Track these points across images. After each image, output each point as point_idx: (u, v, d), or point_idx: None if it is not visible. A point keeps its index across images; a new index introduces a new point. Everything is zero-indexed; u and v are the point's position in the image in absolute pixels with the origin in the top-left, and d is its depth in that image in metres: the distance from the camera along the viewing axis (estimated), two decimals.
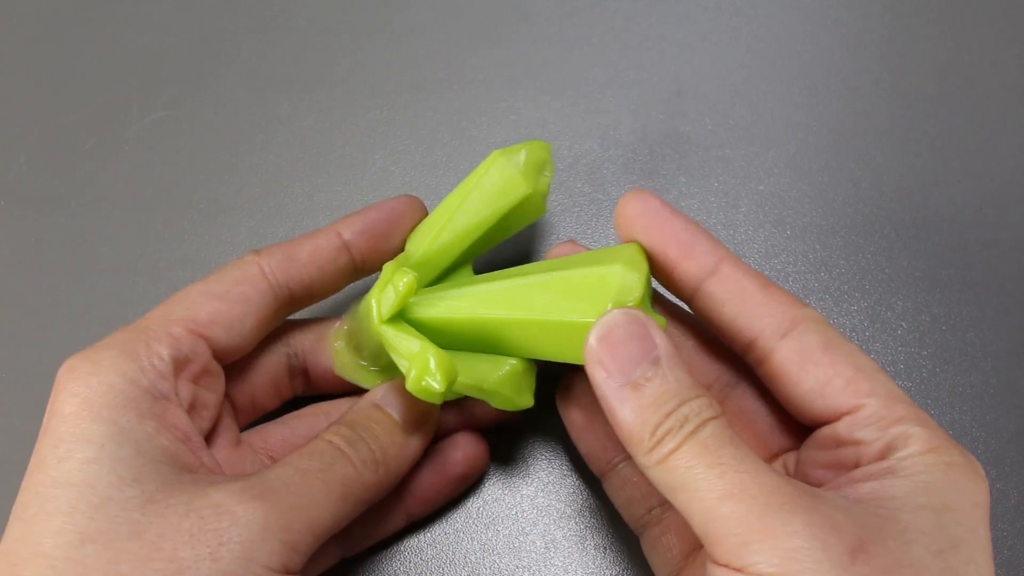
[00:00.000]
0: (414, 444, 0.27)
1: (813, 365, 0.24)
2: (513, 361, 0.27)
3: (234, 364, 0.28)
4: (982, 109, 0.37)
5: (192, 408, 0.26)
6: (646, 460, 0.22)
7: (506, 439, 0.32)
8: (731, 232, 0.36)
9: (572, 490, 0.32)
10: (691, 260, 0.26)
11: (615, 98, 0.38)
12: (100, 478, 0.22)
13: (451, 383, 0.25)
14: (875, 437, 0.23)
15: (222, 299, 0.26)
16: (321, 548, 0.28)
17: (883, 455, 0.23)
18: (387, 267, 0.27)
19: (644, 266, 0.26)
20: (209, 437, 0.27)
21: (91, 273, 0.35)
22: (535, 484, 0.32)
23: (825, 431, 0.24)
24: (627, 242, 0.27)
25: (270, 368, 0.29)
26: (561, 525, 0.31)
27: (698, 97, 0.38)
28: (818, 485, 0.23)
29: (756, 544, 0.20)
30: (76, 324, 0.34)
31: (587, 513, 0.32)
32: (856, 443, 0.23)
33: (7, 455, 0.33)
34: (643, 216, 0.26)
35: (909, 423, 0.22)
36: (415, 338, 0.26)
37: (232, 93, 0.38)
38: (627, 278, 0.25)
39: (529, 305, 0.26)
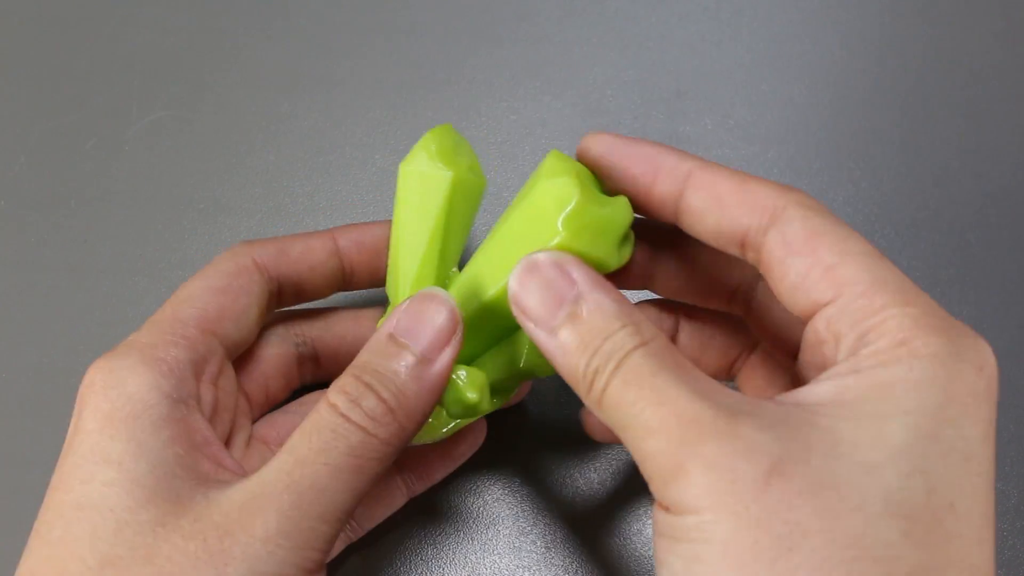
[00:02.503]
0: (437, 374, 0.24)
1: (794, 256, 0.21)
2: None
3: (246, 358, 0.28)
4: (982, 109, 0.37)
5: (215, 412, 0.26)
6: (589, 404, 0.21)
7: (507, 439, 0.32)
8: None
9: (573, 490, 0.32)
10: (661, 180, 0.24)
11: (615, 98, 0.38)
12: (119, 501, 0.22)
13: (483, 389, 0.25)
14: (848, 331, 0.20)
15: (226, 293, 0.26)
16: None
17: (854, 351, 0.20)
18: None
19: (568, 165, 0.24)
20: (227, 437, 0.27)
21: (91, 273, 0.35)
22: (535, 484, 0.32)
23: (809, 328, 0.22)
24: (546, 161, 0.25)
25: (280, 358, 0.29)
26: (561, 525, 0.31)
27: (698, 97, 0.38)
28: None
29: (673, 482, 0.18)
30: (76, 324, 0.34)
31: (588, 513, 0.32)
32: (833, 339, 0.21)
33: (7, 455, 0.33)
34: (604, 155, 0.25)
35: (889, 310, 0.20)
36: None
37: (232, 93, 0.38)
38: (557, 188, 0.23)
39: (496, 274, 0.25)
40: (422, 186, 0.27)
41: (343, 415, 0.22)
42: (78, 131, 0.38)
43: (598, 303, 0.21)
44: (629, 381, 0.20)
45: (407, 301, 0.24)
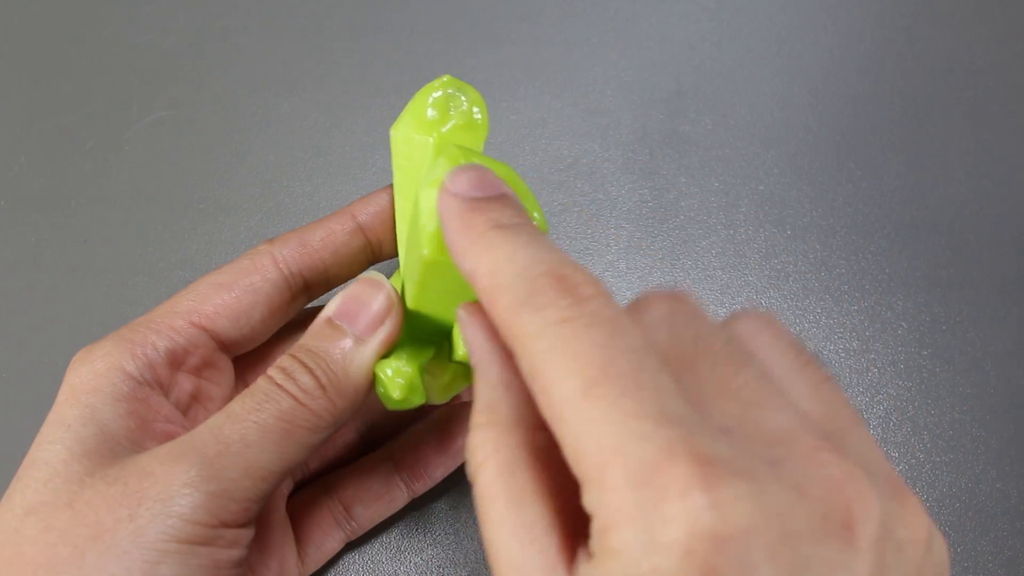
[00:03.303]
0: (367, 355, 0.25)
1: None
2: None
3: (251, 353, 0.28)
4: (982, 109, 0.37)
5: (195, 400, 0.26)
6: None
7: None
8: (731, 232, 0.36)
9: None
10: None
11: (615, 98, 0.38)
12: (56, 455, 0.23)
13: (410, 385, 0.25)
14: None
15: (230, 290, 0.26)
16: (323, 534, 0.29)
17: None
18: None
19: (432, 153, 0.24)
20: None
21: (91, 273, 0.35)
22: None
23: None
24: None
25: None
26: None
27: (698, 97, 0.38)
28: None
29: None
30: (76, 324, 0.34)
31: None
32: None
33: (7, 455, 0.33)
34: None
35: (587, 491, 0.16)
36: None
37: (232, 93, 0.38)
38: (429, 200, 0.21)
39: (410, 276, 0.25)
40: (409, 149, 0.27)
41: (277, 384, 0.24)
42: (78, 131, 0.38)
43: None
44: (483, 496, 0.18)
45: (349, 285, 0.25)
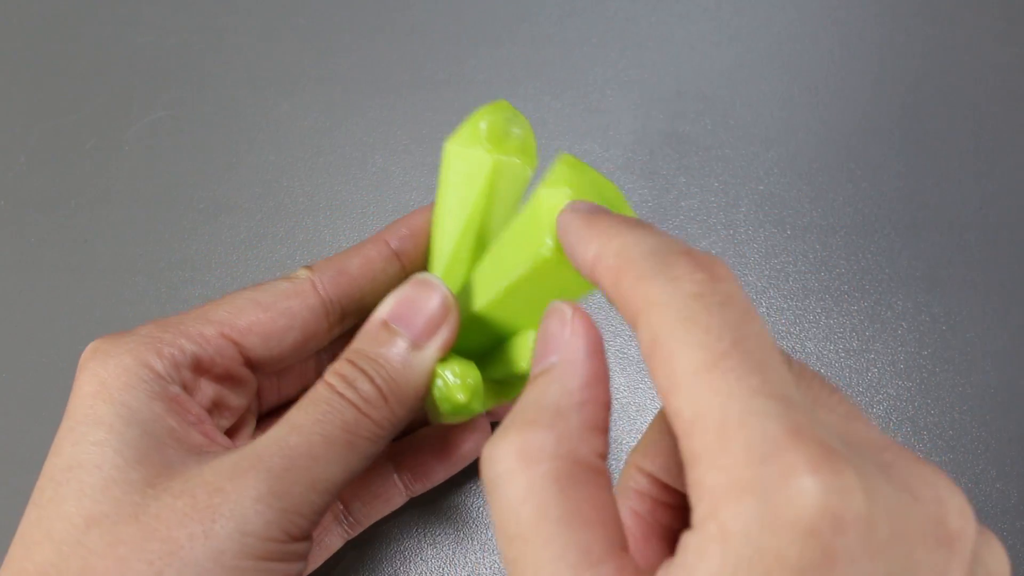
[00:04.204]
0: (426, 360, 0.24)
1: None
2: (532, 333, 0.26)
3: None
4: (982, 109, 0.37)
5: (214, 407, 0.26)
6: None
7: None
8: (731, 232, 0.36)
9: None
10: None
11: (615, 98, 0.38)
12: (107, 459, 0.22)
13: (474, 389, 0.25)
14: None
15: (267, 310, 0.26)
16: (322, 530, 0.28)
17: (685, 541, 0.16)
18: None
19: (572, 173, 0.22)
20: (229, 435, 0.27)
21: (91, 273, 0.35)
22: None
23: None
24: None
25: (303, 371, 0.29)
26: None
27: (698, 97, 0.38)
28: None
29: None
30: (76, 324, 0.34)
31: None
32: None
33: (7, 455, 0.33)
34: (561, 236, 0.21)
35: (700, 468, 0.15)
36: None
37: (232, 93, 0.38)
38: (552, 197, 0.21)
39: (492, 279, 0.24)
40: (465, 167, 0.26)
41: (339, 393, 0.23)
42: (78, 131, 0.38)
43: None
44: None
45: (401, 287, 0.25)
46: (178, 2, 0.40)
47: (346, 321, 0.28)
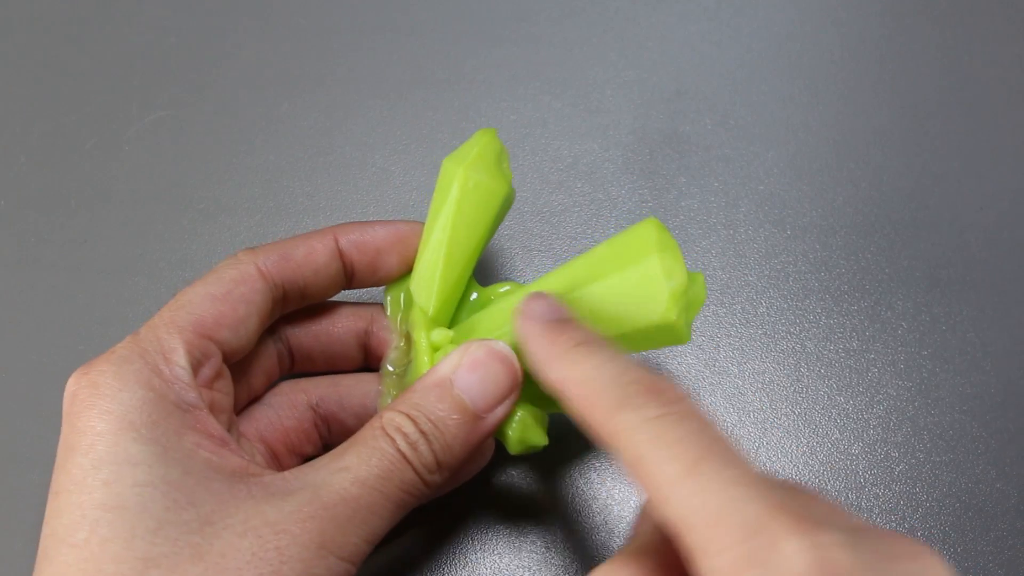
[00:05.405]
0: (485, 430, 0.25)
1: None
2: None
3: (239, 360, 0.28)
4: (982, 109, 0.37)
5: (211, 412, 0.26)
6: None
7: None
8: (731, 232, 0.36)
9: (573, 490, 0.32)
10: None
11: (615, 98, 0.38)
12: (155, 501, 0.22)
13: (545, 428, 0.26)
14: None
15: (225, 301, 0.26)
16: None
17: None
18: (422, 343, 0.27)
19: (668, 239, 0.25)
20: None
21: (91, 273, 0.35)
22: (536, 484, 0.32)
23: None
24: (640, 225, 0.26)
25: (265, 360, 0.29)
26: (561, 525, 0.31)
27: (698, 97, 0.38)
28: None
29: None
30: (76, 324, 0.34)
31: (588, 513, 0.32)
32: None
33: (7, 455, 0.33)
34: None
35: (698, 560, 0.18)
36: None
37: (232, 93, 0.38)
38: (667, 263, 0.24)
39: (595, 319, 0.25)
40: (478, 195, 0.27)
41: (402, 452, 0.24)
42: (78, 131, 0.38)
43: None
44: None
45: (473, 350, 0.25)
46: (178, 2, 0.40)
47: (287, 305, 0.28)
